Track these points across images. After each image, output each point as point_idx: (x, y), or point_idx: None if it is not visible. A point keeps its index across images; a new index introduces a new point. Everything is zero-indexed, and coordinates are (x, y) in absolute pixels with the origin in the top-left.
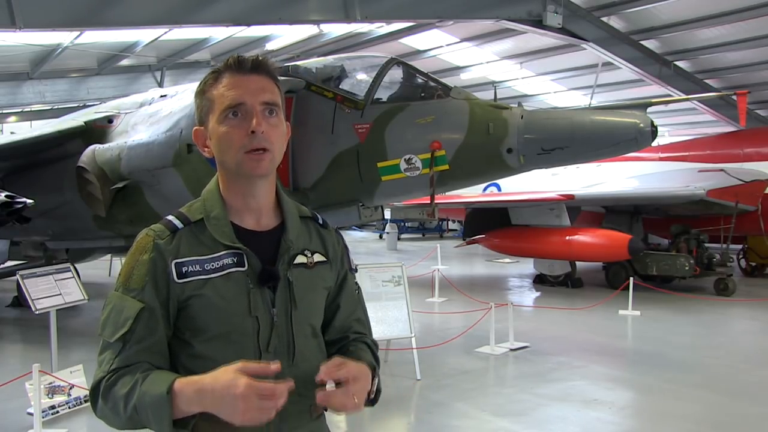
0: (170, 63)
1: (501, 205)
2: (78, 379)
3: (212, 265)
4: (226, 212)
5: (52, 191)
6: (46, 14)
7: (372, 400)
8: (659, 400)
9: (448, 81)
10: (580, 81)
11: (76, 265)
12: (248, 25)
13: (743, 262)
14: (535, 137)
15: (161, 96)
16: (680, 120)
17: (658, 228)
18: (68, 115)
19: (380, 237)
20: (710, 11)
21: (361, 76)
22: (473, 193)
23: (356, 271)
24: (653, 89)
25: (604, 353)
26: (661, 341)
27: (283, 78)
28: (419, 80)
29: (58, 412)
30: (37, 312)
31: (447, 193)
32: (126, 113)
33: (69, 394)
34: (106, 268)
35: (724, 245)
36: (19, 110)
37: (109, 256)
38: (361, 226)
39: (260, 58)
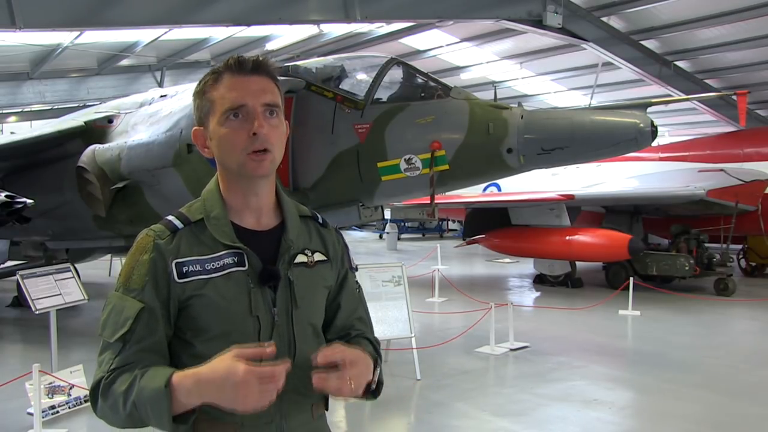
0: (170, 63)
1: (501, 205)
2: (78, 379)
3: (213, 265)
4: (226, 212)
5: (52, 191)
6: (46, 14)
7: (373, 392)
8: (659, 400)
9: (448, 81)
10: (580, 81)
11: (76, 265)
12: (248, 25)
13: (743, 262)
14: (535, 137)
15: (161, 96)
16: (680, 120)
17: (658, 228)
18: (68, 115)
19: (380, 237)
20: (710, 11)
21: (361, 76)
22: (473, 193)
23: (357, 270)
24: (653, 89)
25: (604, 353)
26: (661, 341)
27: (283, 78)
28: (419, 80)
29: (58, 412)
30: (37, 312)
31: (447, 193)
32: (126, 113)
33: (69, 394)
34: (106, 268)
35: (724, 245)
36: (19, 110)
37: (109, 256)
38: (361, 226)
39: (260, 58)
